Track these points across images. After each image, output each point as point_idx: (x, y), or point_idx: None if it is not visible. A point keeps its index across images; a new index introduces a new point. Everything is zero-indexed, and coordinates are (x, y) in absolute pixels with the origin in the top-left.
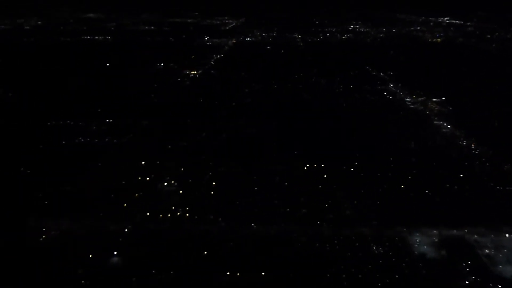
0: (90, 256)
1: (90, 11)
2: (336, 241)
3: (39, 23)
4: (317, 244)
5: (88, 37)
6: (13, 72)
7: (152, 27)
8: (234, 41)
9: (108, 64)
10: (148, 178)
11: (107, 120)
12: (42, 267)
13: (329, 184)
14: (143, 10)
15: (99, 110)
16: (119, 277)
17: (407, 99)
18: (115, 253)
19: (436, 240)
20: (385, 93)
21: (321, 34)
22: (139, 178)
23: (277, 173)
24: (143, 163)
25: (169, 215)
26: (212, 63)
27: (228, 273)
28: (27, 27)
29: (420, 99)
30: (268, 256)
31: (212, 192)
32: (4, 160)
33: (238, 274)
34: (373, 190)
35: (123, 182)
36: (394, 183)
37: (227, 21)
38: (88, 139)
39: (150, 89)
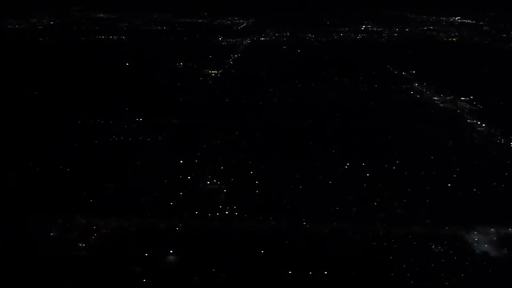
0: (146, 254)
1: (100, 11)
2: (393, 240)
3: (52, 22)
4: (374, 243)
5: (103, 36)
6: (35, 71)
7: (164, 27)
8: (249, 41)
9: (127, 64)
10: (189, 177)
11: (137, 119)
12: (100, 266)
13: (373, 183)
14: (154, 10)
15: (126, 109)
16: (179, 276)
17: (435, 98)
18: (171, 251)
19: (495, 238)
20: (411, 92)
21: (334, 34)
22: (180, 176)
23: (319, 172)
24: (181, 161)
25: (217, 213)
26: (231, 62)
27: (289, 272)
28: (41, 27)
29: (448, 97)
30: (324, 254)
31: (257, 191)
32: (39, 159)
33: (299, 272)
34: (420, 189)
35: (165, 181)
36: (440, 182)
37: (237, 21)
38: (122, 138)
39: (173, 88)
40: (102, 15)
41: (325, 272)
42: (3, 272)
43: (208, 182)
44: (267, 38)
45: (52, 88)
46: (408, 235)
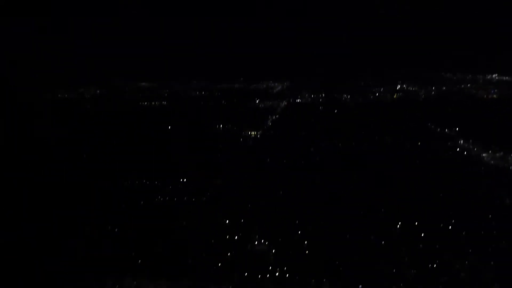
0: None
1: (142, 80)
2: None
3: (98, 91)
4: None
5: (145, 103)
6: (84, 136)
7: (203, 92)
8: (286, 103)
9: (169, 127)
10: (236, 237)
11: (181, 180)
12: None
13: (430, 243)
14: (192, 77)
15: (171, 170)
16: None
17: (484, 154)
18: None
19: None
20: (457, 149)
21: (370, 94)
22: (227, 237)
23: (371, 232)
24: (227, 221)
25: (268, 275)
26: (270, 123)
27: None
28: (88, 96)
29: (498, 154)
30: None
31: (307, 251)
32: (88, 220)
33: None
34: (482, 250)
35: (212, 241)
36: (503, 243)
37: (272, 84)
38: (167, 198)
39: (215, 149)
40: (144, 83)
41: None
42: None
43: (256, 243)
44: (303, 100)
45: (102, 150)
46: None
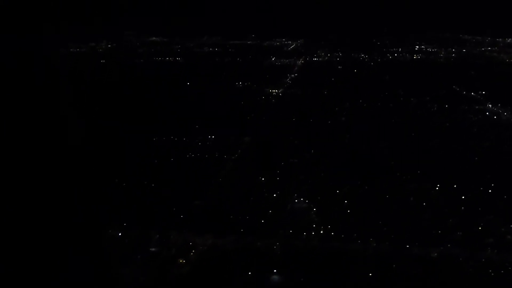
0: (249, 273)
1: (152, 35)
2: (510, 268)
3: (109, 46)
4: (490, 271)
5: (160, 58)
6: (106, 92)
7: (216, 49)
8: (302, 61)
9: (188, 83)
10: (274, 195)
11: (209, 136)
12: (207, 283)
13: (472, 206)
14: (203, 33)
15: (196, 126)
16: None
17: None
18: (275, 270)
19: None
20: (487, 113)
21: (388, 55)
22: (266, 194)
23: (410, 193)
24: (262, 179)
25: (313, 232)
26: (289, 82)
27: None
28: (101, 50)
29: None
30: (438, 280)
31: (348, 210)
32: (121, 177)
33: None
34: None
35: (251, 198)
36: None
37: (286, 42)
38: (198, 155)
39: (239, 106)
40: (155, 38)
41: None
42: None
43: (296, 201)
44: (320, 59)
45: (124, 108)
46: None
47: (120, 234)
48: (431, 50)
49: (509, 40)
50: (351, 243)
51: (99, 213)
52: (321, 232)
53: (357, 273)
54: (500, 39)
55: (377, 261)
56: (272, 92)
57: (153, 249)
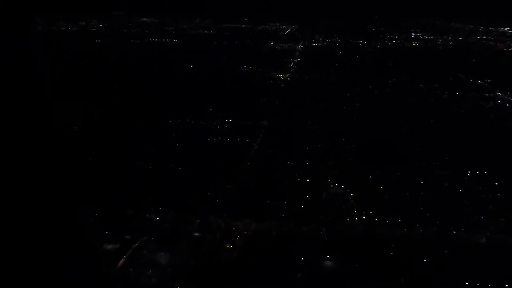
0: (302, 258)
1: (143, 16)
2: None
3: (101, 25)
4: None
5: (156, 39)
6: (111, 72)
7: (212, 32)
8: (302, 46)
9: (191, 66)
10: (308, 180)
11: (227, 120)
12: (257, 268)
13: (506, 191)
14: (195, 15)
15: (210, 109)
16: (341, 282)
17: None
18: (328, 256)
19: None
20: (498, 101)
21: (387, 41)
22: (298, 179)
23: (443, 180)
24: (291, 163)
25: (356, 218)
26: (294, 66)
27: (467, 283)
28: (94, 29)
29: None
30: (489, 266)
31: (386, 196)
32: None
33: (466, 283)
34: None
35: (285, 183)
36: None
37: (280, 27)
38: (219, 138)
39: (249, 90)
40: (145, 19)
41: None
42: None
43: (332, 186)
44: (319, 44)
45: (134, 89)
46: None
47: (158, 218)
48: (428, 37)
49: (502, 29)
50: (397, 228)
51: (132, 197)
52: (364, 217)
53: (409, 258)
54: (493, 28)
55: (426, 246)
56: (279, 77)
57: (197, 234)
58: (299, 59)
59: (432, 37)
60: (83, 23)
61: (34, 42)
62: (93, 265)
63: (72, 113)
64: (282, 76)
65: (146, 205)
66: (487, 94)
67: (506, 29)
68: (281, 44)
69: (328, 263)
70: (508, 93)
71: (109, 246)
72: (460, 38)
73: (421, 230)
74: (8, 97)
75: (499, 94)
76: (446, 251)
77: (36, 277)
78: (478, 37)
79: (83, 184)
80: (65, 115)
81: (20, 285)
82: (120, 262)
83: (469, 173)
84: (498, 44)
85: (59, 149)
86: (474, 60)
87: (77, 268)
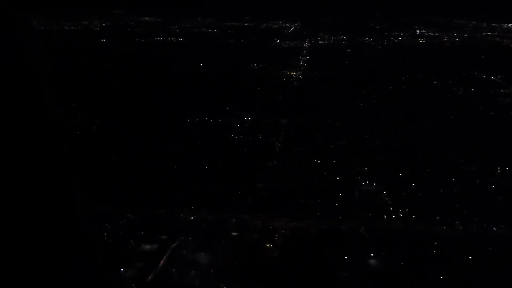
0: (346, 257)
1: (143, 15)
2: None
3: (104, 25)
4: None
5: (161, 38)
6: (125, 71)
7: (216, 30)
8: (309, 44)
9: (201, 64)
10: (338, 178)
11: (246, 118)
12: (301, 267)
13: None
14: (196, 14)
15: (227, 108)
16: (389, 280)
17: None
18: (372, 255)
19: None
20: None
21: (393, 38)
22: (328, 177)
23: (475, 176)
24: (318, 161)
25: (393, 215)
26: (304, 64)
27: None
28: (97, 28)
29: None
30: None
31: (420, 193)
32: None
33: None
34: None
35: (315, 181)
36: None
37: (283, 24)
38: (241, 137)
39: (263, 88)
40: (147, 18)
41: None
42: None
43: (363, 183)
44: (325, 42)
45: (148, 90)
46: None
47: (192, 218)
48: (433, 34)
49: (505, 25)
50: (436, 225)
51: (164, 197)
52: (401, 215)
53: (454, 256)
54: (497, 24)
55: (469, 244)
56: (291, 74)
57: (235, 233)
58: (307, 57)
59: (437, 34)
60: (86, 22)
61: (33, 42)
62: (93, 265)
63: (84, 114)
64: (294, 74)
65: (178, 205)
66: (502, 90)
67: (510, 25)
68: (287, 42)
69: (373, 261)
70: None
71: (147, 247)
72: (466, 35)
73: (461, 227)
74: (7, 97)
75: None
76: (490, 248)
77: (36, 277)
78: (483, 34)
79: (112, 185)
80: (73, 115)
81: (20, 285)
82: (161, 262)
83: (498, 169)
84: (504, 40)
85: (59, 149)
86: (483, 56)
87: (77, 268)
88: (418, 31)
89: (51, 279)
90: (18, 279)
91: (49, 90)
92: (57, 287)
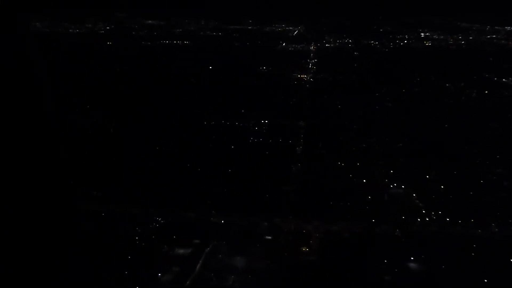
0: (385, 261)
1: (146, 17)
2: None
3: (108, 28)
4: None
5: (166, 41)
6: (134, 73)
7: (220, 33)
8: (315, 47)
9: (210, 67)
10: (364, 180)
11: (263, 121)
12: (339, 271)
13: None
14: (199, 17)
15: (242, 111)
16: (428, 285)
17: None
18: (411, 258)
19: None
20: None
21: (398, 41)
22: (354, 180)
23: (502, 178)
24: (342, 164)
25: (426, 218)
26: (314, 67)
27: None
28: (102, 31)
29: None
30: None
31: (450, 196)
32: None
33: None
34: None
35: (342, 184)
36: None
37: (287, 28)
38: (261, 140)
39: (276, 91)
40: (150, 21)
41: None
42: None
43: (391, 186)
44: (331, 45)
45: (161, 92)
46: None
47: (223, 221)
48: (438, 37)
49: (509, 28)
50: (471, 228)
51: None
52: (434, 218)
53: (494, 258)
54: (500, 27)
55: (508, 246)
56: (302, 77)
57: (268, 237)
58: (315, 60)
59: (442, 37)
60: (89, 25)
61: (33, 42)
62: (93, 265)
63: (98, 115)
64: (305, 77)
65: (207, 209)
66: None
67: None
68: (293, 45)
69: (413, 265)
70: None
71: (181, 251)
72: (471, 38)
73: (497, 230)
74: (7, 97)
75: None
76: None
77: (36, 277)
78: (488, 36)
79: (140, 187)
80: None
81: (20, 285)
82: (197, 267)
83: None
84: (510, 43)
85: (59, 149)
86: (491, 59)
87: (77, 268)
88: (422, 34)
89: (51, 279)
90: (18, 279)
91: (49, 90)
92: (57, 287)
